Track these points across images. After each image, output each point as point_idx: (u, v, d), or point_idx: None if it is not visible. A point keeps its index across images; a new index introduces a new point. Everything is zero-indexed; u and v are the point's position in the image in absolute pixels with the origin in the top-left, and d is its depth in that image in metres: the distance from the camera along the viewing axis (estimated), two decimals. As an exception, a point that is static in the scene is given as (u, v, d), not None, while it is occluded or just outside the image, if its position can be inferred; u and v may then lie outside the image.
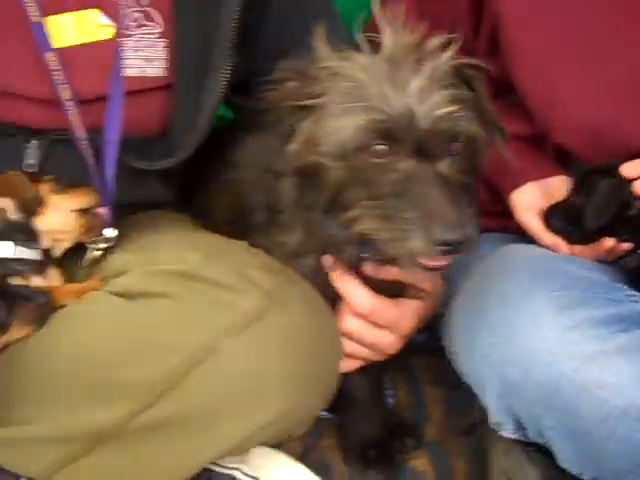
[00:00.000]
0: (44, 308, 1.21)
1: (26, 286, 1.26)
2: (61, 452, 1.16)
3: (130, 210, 1.42)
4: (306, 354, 1.13)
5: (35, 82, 1.28)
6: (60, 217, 1.32)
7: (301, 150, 1.09)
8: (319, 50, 1.11)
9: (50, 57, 1.24)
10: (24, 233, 1.30)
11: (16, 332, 1.20)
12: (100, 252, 1.34)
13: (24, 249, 1.30)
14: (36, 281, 1.31)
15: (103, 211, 1.34)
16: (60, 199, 1.31)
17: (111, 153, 1.30)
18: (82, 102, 1.28)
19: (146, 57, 1.31)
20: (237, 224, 1.35)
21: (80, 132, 1.28)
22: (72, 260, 1.36)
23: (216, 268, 1.16)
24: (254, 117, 1.36)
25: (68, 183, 1.32)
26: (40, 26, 1.23)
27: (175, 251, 1.22)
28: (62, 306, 1.24)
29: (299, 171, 1.11)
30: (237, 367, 1.10)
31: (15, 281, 1.24)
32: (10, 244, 1.29)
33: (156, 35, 1.32)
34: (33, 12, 1.22)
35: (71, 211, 1.32)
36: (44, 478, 1.17)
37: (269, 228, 1.26)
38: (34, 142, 1.34)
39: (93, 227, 1.35)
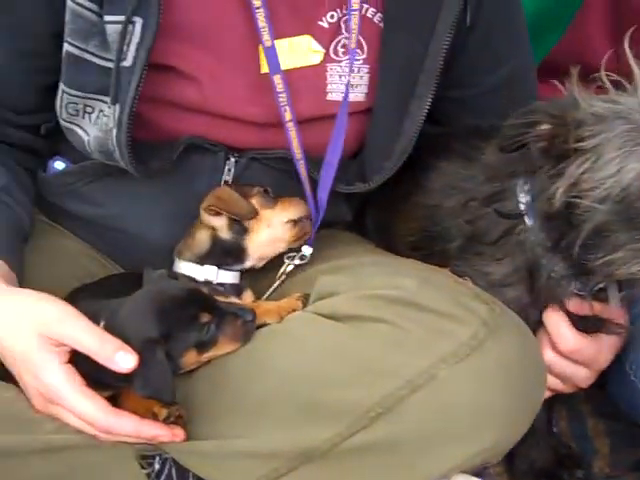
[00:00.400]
0: (250, 325, 1.24)
1: (234, 303, 1.29)
2: (266, 468, 1.17)
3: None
4: (521, 385, 1.14)
5: (250, 105, 1.31)
6: (271, 232, 1.35)
7: (564, 192, 1.09)
8: (575, 92, 1.10)
9: (277, 79, 1.27)
10: (231, 255, 1.34)
11: (222, 348, 1.23)
12: (291, 267, 1.38)
13: (226, 273, 1.34)
14: (232, 300, 1.34)
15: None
16: (272, 213, 1.34)
17: (329, 174, 1.33)
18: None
19: (351, 83, 1.34)
20: (423, 249, 1.37)
21: (298, 153, 1.32)
22: (258, 276, 1.39)
23: (432, 295, 1.17)
24: (444, 143, 1.38)
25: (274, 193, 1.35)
26: (272, 49, 1.26)
27: (389, 276, 1.23)
28: (263, 324, 1.27)
29: (553, 213, 1.12)
30: (456, 396, 1.11)
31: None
32: (214, 269, 1.33)
33: (360, 62, 1.34)
34: (266, 37, 1.25)
35: (283, 224, 1.35)
36: None
37: (468, 256, 1.27)
38: (233, 160, 1.38)
39: (303, 236, 1.38)
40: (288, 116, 1.29)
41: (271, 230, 1.34)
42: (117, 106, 1.23)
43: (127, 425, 1.13)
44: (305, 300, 1.31)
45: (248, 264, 1.35)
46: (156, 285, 1.25)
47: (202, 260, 1.34)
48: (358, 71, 1.34)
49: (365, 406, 1.12)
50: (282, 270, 1.38)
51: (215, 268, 1.33)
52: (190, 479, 1.23)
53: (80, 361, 1.15)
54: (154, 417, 1.18)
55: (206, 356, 1.22)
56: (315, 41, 1.31)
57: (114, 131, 1.24)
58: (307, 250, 1.37)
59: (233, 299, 1.33)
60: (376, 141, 1.36)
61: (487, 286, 1.23)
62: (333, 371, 1.15)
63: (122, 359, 1.10)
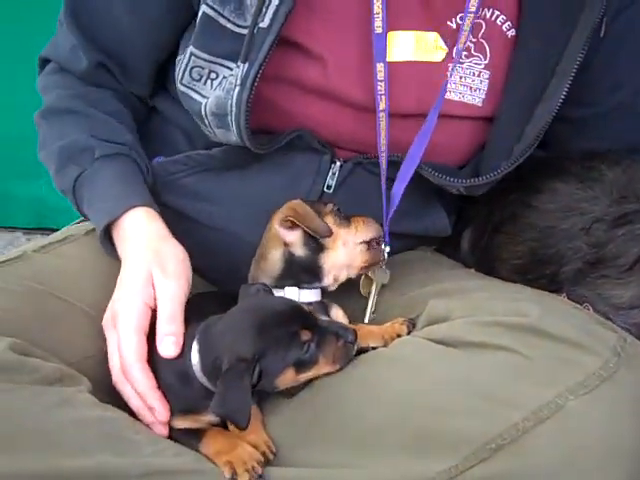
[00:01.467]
0: (350, 347, 1.18)
1: (335, 322, 1.24)
2: None
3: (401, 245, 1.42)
4: None
5: (356, 87, 1.30)
6: (347, 252, 1.30)
7: None
8: None
9: (380, 67, 1.26)
10: (308, 272, 1.29)
11: (321, 368, 1.17)
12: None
13: (307, 292, 1.28)
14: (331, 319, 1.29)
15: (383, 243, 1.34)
16: (347, 232, 1.29)
17: (408, 169, 1.31)
18: (395, 116, 1.30)
19: (469, 85, 1.33)
20: (530, 273, 1.31)
21: (383, 144, 1.30)
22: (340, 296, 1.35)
23: (557, 322, 1.10)
24: (557, 165, 1.33)
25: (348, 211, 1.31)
26: (382, 37, 1.26)
27: (507, 302, 1.17)
28: (366, 349, 1.21)
29: None
30: (583, 429, 1.03)
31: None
32: (295, 290, 1.27)
33: (482, 66, 1.33)
34: (378, 24, 1.25)
35: (357, 244, 1.29)
36: None
37: (589, 280, 1.21)
38: (338, 164, 1.35)
39: (376, 262, 1.33)
40: (382, 105, 1.28)
41: (346, 250, 1.29)
42: (246, 64, 1.22)
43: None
44: (410, 325, 1.25)
45: (326, 282, 1.30)
46: (255, 299, 1.20)
47: (279, 282, 1.28)
48: (479, 75, 1.33)
49: (485, 437, 1.05)
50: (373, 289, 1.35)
51: (296, 289, 1.28)
52: (291, 509, 1.17)
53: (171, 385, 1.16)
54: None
55: (304, 376, 1.17)
56: (441, 39, 1.31)
57: (237, 89, 1.23)
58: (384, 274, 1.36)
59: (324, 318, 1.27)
60: (496, 141, 1.34)
61: (611, 310, 1.17)
62: (451, 399, 1.09)
63: (168, 344, 1.18)
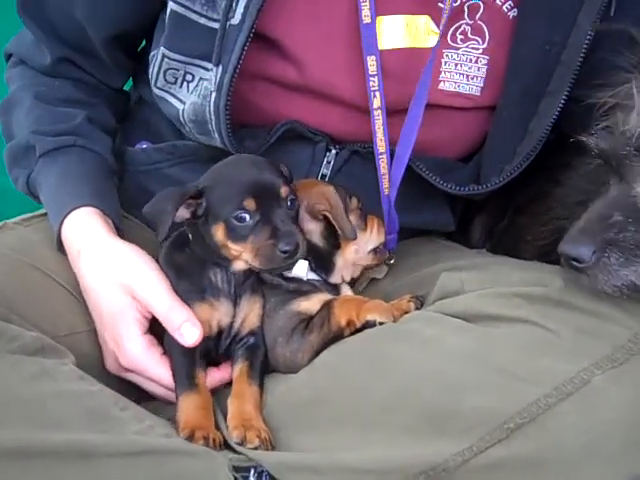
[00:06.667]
0: (277, 255, 1.10)
1: (290, 226, 1.13)
2: None
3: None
4: None
5: (344, 84, 1.21)
6: (356, 257, 1.24)
7: None
8: None
9: (371, 61, 1.17)
10: (320, 260, 1.21)
11: (244, 250, 1.12)
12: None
13: (315, 275, 1.21)
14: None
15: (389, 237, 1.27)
16: (362, 237, 1.22)
17: (398, 170, 1.21)
18: (391, 112, 1.21)
19: (465, 73, 1.23)
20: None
21: (381, 145, 1.21)
22: None
23: (582, 294, 1.03)
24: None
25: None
26: (371, 27, 1.17)
27: (528, 272, 1.10)
28: (372, 324, 1.13)
29: None
30: (610, 407, 0.95)
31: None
32: (306, 264, 1.19)
33: (480, 51, 1.23)
34: (365, 13, 1.16)
35: (368, 251, 1.24)
36: None
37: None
38: (334, 152, 1.27)
39: (379, 264, 1.29)
40: (377, 102, 1.18)
41: (357, 256, 1.23)
42: (220, 68, 1.14)
43: None
44: (418, 302, 1.18)
45: (333, 279, 1.22)
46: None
47: None
48: (476, 61, 1.23)
49: (502, 416, 0.96)
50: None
51: (307, 264, 1.19)
52: (289, 497, 1.07)
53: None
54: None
55: (233, 246, 1.12)
56: (433, 22, 1.21)
57: (213, 95, 1.15)
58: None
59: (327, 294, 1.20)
60: (497, 141, 1.25)
61: None
62: (466, 376, 1.00)
63: (187, 331, 1.11)
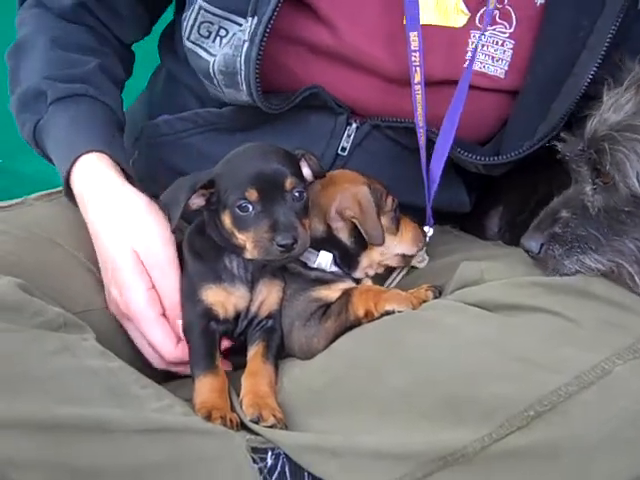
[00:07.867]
0: (274, 247, 1.10)
1: (290, 218, 1.13)
2: (396, 472, 1.01)
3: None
4: None
5: (386, 56, 1.22)
6: (382, 259, 1.25)
7: None
8: None
9: (413, 36, 1.18)
10: (345, 259, 1.22)
11: (247, 240, 1.12)
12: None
13: (337, 269, 1.22)
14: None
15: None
16: (391, 241, 1.23)
17: (445, 144, 1.22)
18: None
19: (491, 55, 1.25)
20: None
21: (420, 120, 1.22)
22: None
23: (604, 284, 1.04)
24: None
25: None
26: (414, 2, 1.18)
27: None
28: (391, 312, 1.13)
29: None
30: (631, 397, 0.96)
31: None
32: (330, 257, 1.20)
33: (506, 35, 1.25)
34: None
35: (395, 254, 1.25)
36: None
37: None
38: (354, 125, 1.28)
39: (406, 266, 1.29)
40: (417, 77, 1.19)
41: (382, 257, 1.24)
42: (255, 19, 1.15)
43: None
44: (436, 291, 1.18)
45: (356, 275, 1.23)
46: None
47: (317, 245, 1.20)
48: (502, 44, 1.25)
49: (522, 403, 0.97)
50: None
51: (331, 256, 1.20)
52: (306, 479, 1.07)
53: None
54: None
55: (239, 235, 1.12)
56: (463, 2, 1.22)
57: (245, 45, 1.16)
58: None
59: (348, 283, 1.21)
60: (519, 120, 1.26)
61: None
62: (486, 363, 1.01)
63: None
